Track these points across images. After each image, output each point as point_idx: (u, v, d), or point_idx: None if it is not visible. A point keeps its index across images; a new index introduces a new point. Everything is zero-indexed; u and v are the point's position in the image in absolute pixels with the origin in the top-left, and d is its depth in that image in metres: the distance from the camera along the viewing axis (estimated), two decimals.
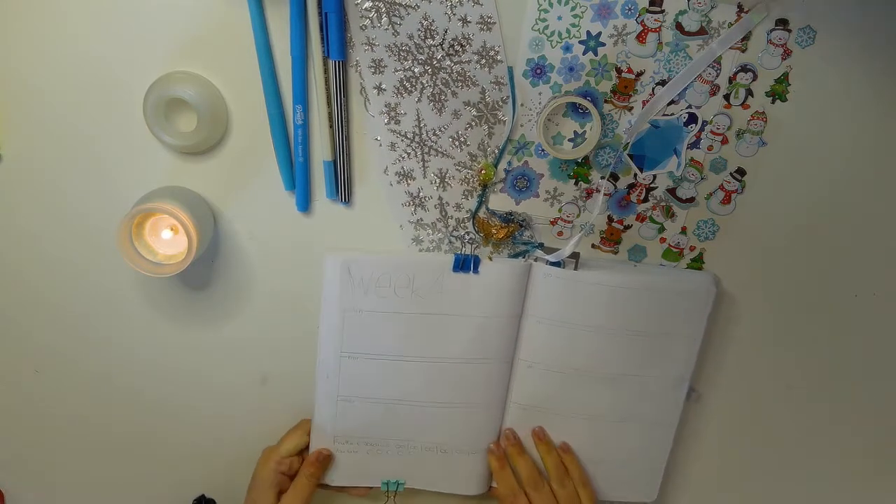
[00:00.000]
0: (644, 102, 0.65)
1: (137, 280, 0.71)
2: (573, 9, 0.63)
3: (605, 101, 0.65)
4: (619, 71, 0.64)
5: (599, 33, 0.63)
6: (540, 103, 0.65)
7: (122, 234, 0.62)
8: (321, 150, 0.66)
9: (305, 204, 0.68)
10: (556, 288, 0.68)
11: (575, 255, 0.68)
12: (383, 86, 0.65)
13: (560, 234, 0.70)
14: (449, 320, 0.69)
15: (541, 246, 0.69)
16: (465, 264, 0.67)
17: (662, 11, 0.63)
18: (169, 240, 0.66)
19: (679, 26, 0.63)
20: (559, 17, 0.63)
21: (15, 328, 0.73)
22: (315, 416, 0.72)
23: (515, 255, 0.70)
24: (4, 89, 0.65)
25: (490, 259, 0.68)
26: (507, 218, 0.68)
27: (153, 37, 0.63)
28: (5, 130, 0.66)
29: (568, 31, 0.63)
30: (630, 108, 0.66)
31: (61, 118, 0.66)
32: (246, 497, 0.70)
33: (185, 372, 0.74)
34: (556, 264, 0.68)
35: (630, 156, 0.67)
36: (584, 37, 0.64)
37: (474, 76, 0.64)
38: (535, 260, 0.69)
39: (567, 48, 0.64)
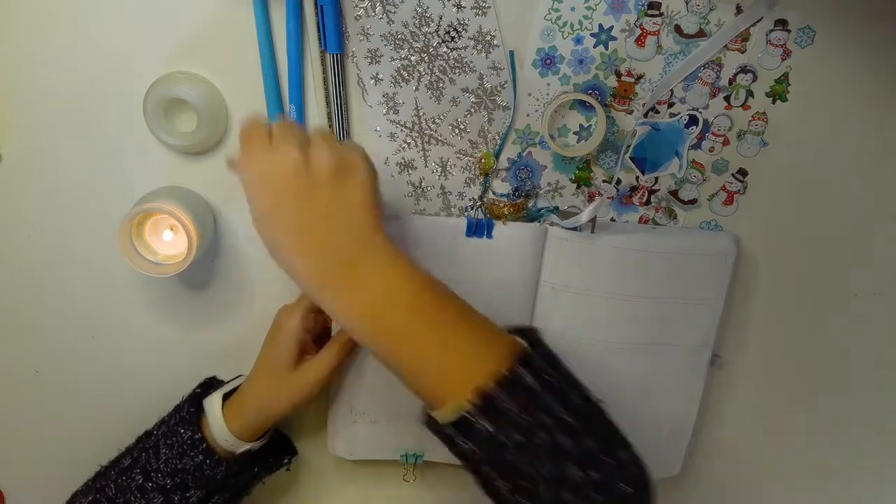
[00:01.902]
0: (643, 105, 0.65)
1: (137, 280, 0.71)
2: (587, 0, 0.63)
3: (605, 105, 0.65)
4: (618, 74, 0.64)
5: (611, 27, 0.63)
6: (548, 94, 0.65)
7: (122, 234, 0.62)
8: None
9: None
10: (572, 252, 0.66)
11: (592, 219, 0.65)
12: (380, 76, 0.65)
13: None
14: (462, 287, 0.65)
15: (556, 210, 0.68)
16: (478, 228, 0.65)
17: (661, 14, 0.63)
18: (169, 240, 0.66)
19: (678, 29, 0.63)
20: (572, 9, 0.63)
21: (15, 328, 0.73)
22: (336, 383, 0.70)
23: (531, 219, 0.68)
24: (4, 89, 0.65)
25: (504, 223, 0.66)
26: (514, 195, 0.68)
27: (153, 37, 0.63)
28: (5, 130, 0.66)
29: (580, 22, 0.63)
30: (630, 112, 0.65)
31: (61, 118, 0.66)
32: (262, 352, 0.67)
33: (186, 372, 0.74)
34: (573, 229, 0.65)
35: (631, 158, 0.67)
36: (595, 30, 0.63)
37: (471, 62, 0.64)
38: (551, 224, 0.67)
39: (578, 40, 0.64)
